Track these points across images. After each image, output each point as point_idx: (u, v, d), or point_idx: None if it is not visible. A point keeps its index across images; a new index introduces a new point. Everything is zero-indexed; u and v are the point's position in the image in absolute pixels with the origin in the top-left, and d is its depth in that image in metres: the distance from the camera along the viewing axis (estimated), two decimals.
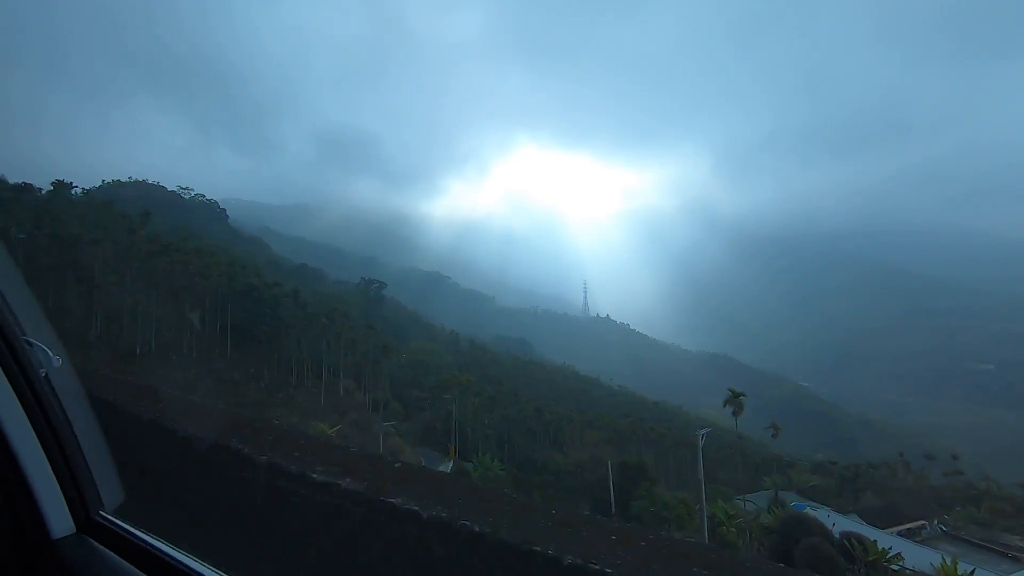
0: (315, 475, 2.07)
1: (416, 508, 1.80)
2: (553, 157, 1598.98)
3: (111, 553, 1.60)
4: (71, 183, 71.00)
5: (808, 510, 49.75)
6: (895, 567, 31.80)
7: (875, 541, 33.56)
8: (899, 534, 51.44)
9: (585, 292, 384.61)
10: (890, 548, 33.16)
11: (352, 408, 64.27)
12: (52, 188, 67.00)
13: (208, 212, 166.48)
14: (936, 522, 59.80)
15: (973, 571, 28.07)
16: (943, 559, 27.68)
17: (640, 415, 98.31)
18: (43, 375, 1.61)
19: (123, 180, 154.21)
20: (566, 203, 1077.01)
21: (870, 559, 31.88)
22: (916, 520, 58.75)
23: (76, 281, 54.44)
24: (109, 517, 1.73)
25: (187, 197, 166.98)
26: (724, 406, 51.45)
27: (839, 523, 40.58)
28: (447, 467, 59.27)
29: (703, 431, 36.87)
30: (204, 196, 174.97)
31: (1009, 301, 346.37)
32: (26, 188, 60.36)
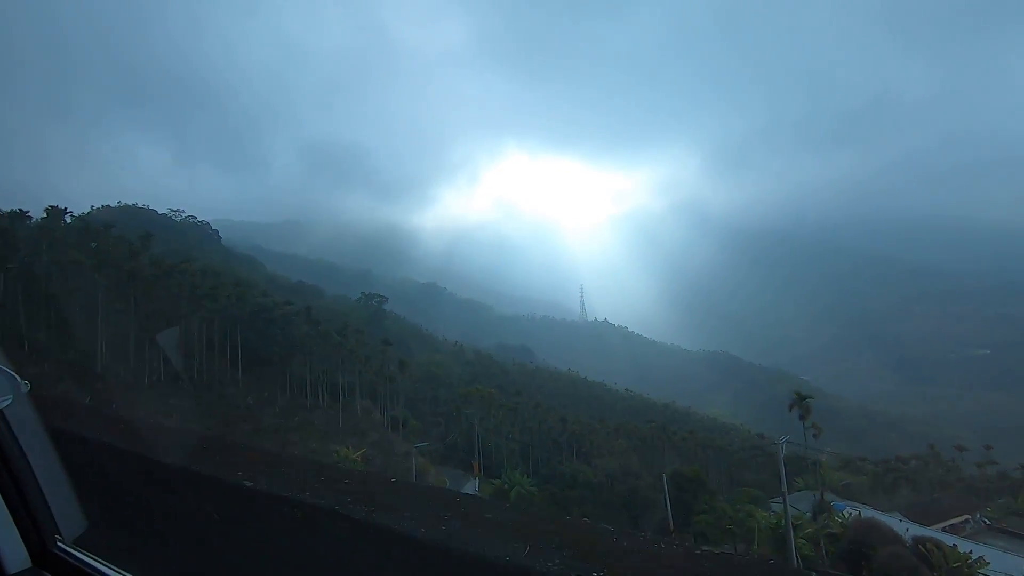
0: (292, 495, 1.94)
1: (425, 535, 1.69)
2: (542, 163, 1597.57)
3: None
4: (65, 208, 68.33)
5: (848, 510, 48.12)
6: (982, 574, 29.79)
7: (955, 546, 31.68)
8: (943, 530, 49.78)
9: (582, 296, 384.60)
10: (971, 552, 31.32)
11: (371, 428, 61.82)
12: (46, 215, 64.30)
13: (200, 233, 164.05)
14: (979, 515, 58.24)
15: None
16: None
17: (659, 420, 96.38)
18: None
19: (112, 205, 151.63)
20: (558, 208, 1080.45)
21: (953, 566, 29.97)
22: (958, 514, 57.15)
23: (79, 309, 51.95)
24: (68, 548, 1.71)
25: (178, 219, 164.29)
26: (790, 410, 49.67)
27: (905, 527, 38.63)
28: (473, 485, 56.95)
29: (783, 438, 34.80)
30: (195, 217, 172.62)
31: (1002, 285, 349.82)
32: (20, 215, 57.76)
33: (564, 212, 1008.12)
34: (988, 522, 55.70)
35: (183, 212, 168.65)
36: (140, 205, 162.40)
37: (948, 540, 34.69)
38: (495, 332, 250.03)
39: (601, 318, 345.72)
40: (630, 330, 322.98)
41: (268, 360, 63.21)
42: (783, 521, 32.13)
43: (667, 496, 38.30)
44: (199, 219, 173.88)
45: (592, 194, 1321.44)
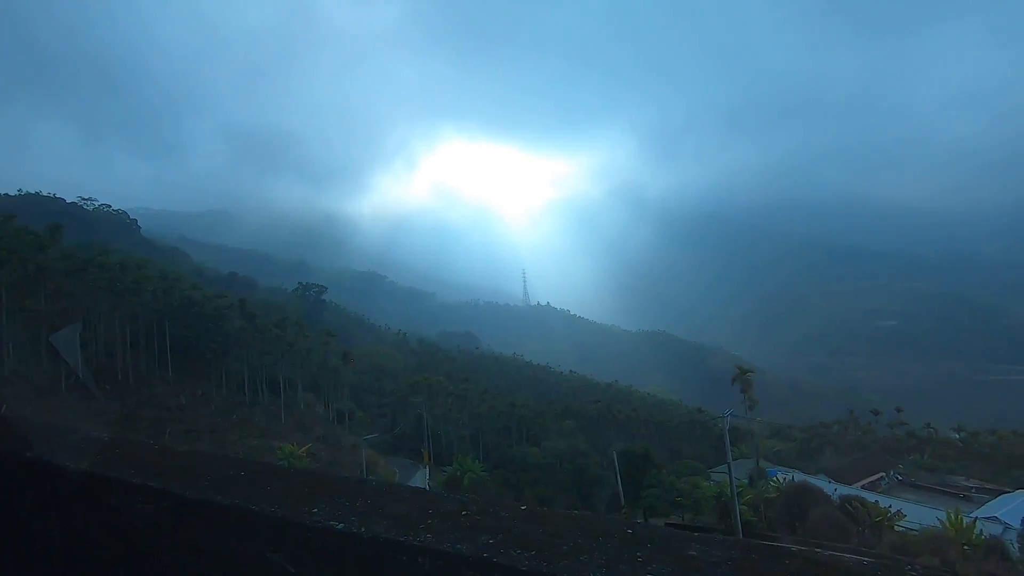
0: (408, 540, 1.41)
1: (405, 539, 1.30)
2: (482, 148, 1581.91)
3: None
4: None
5: (780, 475, 51.34)
6: (898, 526, 32.59)
7: (876, 502, 34.46)
8: (863, 487, 54.11)
9: (524, 281, 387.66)
10: (890, 506, 34.17)
11: (316, 423, 60.00)
12: None
13: (117, 223, 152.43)
14: (892, 472, 63.50)
15: (975, 521, 29.34)
16: (948, 513, 28.46)
17: (601, 399, 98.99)
18: None
19: (11, 193, 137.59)
20: (498, 194, 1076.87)
21: (875, 520, 32.64)
22: (875, 472, 62.21)
23: None
24: None
25: (90, 208, 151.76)
26: (732, 383, 52.23)
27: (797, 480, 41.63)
28: (424, 474, 56.58)
29: (727, 413, 36.41)
30: (110, 206, 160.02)
31: (908, 261, 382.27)
32: None
33: (505, 198, 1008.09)
34: (900, 478, 60.85)
35: (95, 201, 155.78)
36: (44, 193, 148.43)
37: (870, 497, 37.78)
38: (439, 320, 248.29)
39: (544, 302, 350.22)
40: (572, 313, 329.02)
41: (201, 357, 59.79)
42: (726, 490, 33.84)
43: (617, 473, 39.48)
44: (115, 208, 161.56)
45: (532, 179, 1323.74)
